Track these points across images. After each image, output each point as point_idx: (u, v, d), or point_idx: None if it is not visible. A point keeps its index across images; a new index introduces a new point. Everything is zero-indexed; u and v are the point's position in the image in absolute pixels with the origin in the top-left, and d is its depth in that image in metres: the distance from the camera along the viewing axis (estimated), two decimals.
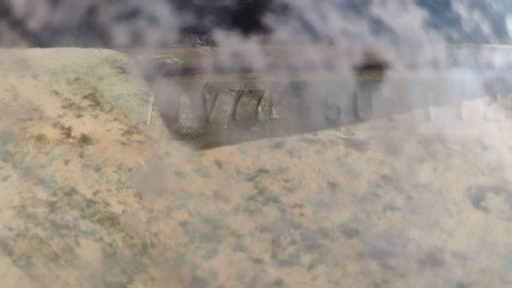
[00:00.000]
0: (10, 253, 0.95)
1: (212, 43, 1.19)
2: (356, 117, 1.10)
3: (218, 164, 1.04)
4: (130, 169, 1.03)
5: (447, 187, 1.02)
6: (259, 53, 1.14)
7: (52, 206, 0.99)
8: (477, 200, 1.02)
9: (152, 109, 1.11)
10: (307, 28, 1.18)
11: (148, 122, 1.09)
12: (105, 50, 1.18)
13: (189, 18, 1.19)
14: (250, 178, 1.03)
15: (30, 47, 1.19)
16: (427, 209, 1.00)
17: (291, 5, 1.20)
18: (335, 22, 1.17)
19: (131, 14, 1.20)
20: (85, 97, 1.11)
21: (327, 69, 1.14)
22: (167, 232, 0.97)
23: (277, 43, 1.15)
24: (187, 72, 1.15)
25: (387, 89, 1.12)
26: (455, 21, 1.23)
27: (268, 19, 1.17)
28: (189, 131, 1.09)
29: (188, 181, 1.02)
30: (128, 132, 1.07)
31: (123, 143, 1.06)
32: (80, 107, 1.10)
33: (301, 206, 1.00)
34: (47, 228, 0.97)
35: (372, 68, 1.13)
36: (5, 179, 1.02)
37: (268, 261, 0.96)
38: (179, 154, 1.05)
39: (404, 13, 1.22)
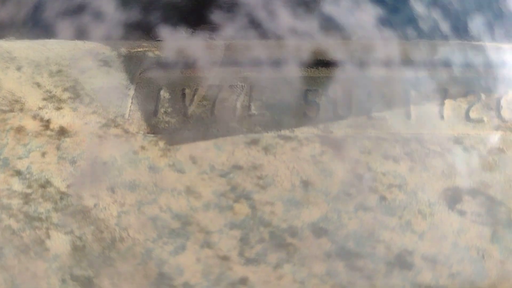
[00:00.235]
0: None
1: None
2: (335, 114, 1.09)
3: (193, 159, 1.04)
4: (105, 163, 1.04)
5: (422, 188, 1.00)
6: (239, 49, 1.13)
7: (26, 198, 1.01)
8: (453, 203, 0.99)
9: (132, 102, 1.11)
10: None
11: (127, 116, 1.09)
12: (89, 42, 1.18)
13: (135, 14, 1.19)
14: (224, 175, 1.03)
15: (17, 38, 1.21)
16: (400, 211, 0.98)
17: None
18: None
19: (76, 9, 1.21)
20: (66, 89, 1.12)
21: (307, 65, 1.12)
22: (136, 227, 0.98)
23: (255, 38, 1.14)
24: (168, 66, 1.14)
25: (368, 86, 1.10)
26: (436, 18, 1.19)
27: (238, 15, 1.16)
28: (166, 125, 1.09)
29: (161, 176, 1.03)
30: (106, 125, 1.08)
31: (100, 136, 1.07)
32: (60, 100, 1.11)
33: (272, 204, 1.00)
34: (20, 219, 0.99)
35: (352, 65, 1.11)
36: None
37: (235, 259, 0.95)
38: (155, 149, 1.05)
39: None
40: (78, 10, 1.21)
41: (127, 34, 1.18)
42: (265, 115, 1.09)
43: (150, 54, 1.15)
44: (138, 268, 0.95)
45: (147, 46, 1.16)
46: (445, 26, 1.19)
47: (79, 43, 1.18)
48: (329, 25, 1.16)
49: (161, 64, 1.14)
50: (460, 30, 1.20)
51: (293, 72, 1.12)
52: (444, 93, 1.10)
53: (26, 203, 1.00)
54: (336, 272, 0.94)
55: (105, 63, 1.15)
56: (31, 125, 1.08)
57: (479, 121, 1.08)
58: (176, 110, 1.10)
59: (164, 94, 1.12)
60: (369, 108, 1.08)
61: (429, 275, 0.94)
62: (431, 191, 1.00)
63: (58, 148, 1.05)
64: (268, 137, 1.06)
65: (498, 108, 1.09)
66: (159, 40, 1.19)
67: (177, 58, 1.14)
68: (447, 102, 1.09)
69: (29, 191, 1.02)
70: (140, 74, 1.14)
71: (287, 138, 1.06)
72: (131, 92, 1.12)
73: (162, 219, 0.99)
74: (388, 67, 1.11)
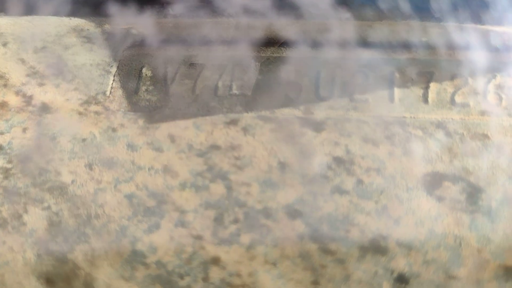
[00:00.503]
0: None
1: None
2: (317, 96, 1.07)
3: (172, 138, 1.04)
4: (84, 140, 1.04)
5: (401, 173, 0.99)
6: (222, 27, 1.12)
7: (6, 173, 1.02)
8: (432, 188, 0.97)
9: (113, 80, 1.11)
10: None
11: (108, 93, 1.09)
12: (74, 19, 1.18)
13: None
14: (201, 154, 1.02)
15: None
16: (377, 195, 0.97)
17: None
18: None
19: None
20: (49, 65, 1.12)
21: (292, 46, 1.10)
22: (112, 204, 0.98)
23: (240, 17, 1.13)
24: (151, 43, 1.14)
25: (352, 68, 1.08)
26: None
27: None
28: (147, 103, 1.08)
29: (139, 154, 1.02)
30: (87, 102, 1.08)
31: (80, 113, 1.07)
32: (43, 76, 1.11)
33: (248, 184, 0.99)
34: None
35: (336, 46, 1.09)
36: None
37: (208, 239, 0.95)
38: (134, 127, 1.05)
39: None
40: None
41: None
42: (246, 95, 1.08)
43: (133, 31, 1.15)
44: (112, 245, 0.95)
45: (131, 23, 1.16)
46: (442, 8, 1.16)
47: (65, 20, 1.18)
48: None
49: (144, 42, 1.14)
50: (457, 13, 1.17)
51: (276, 52, 1.11)
52: (429, 76, 1.08)
53: (6, 178, 1.01)
54: (308, 255, 0.93)
55: (89, 39, 1.15)
56: (14, 100, 1.09)
57: (465, 105, 1.05)
58: (157, 88, 1.10)
59: (146, 72, 1.11)
60: (352, 90, 1.07)
61: (403, 261, 0.93)
62: (410, 176, 0.98)
63: (39, 124, 1.06)
64: (247, 117, 1.05)
65: (485, 92, 1.07)
66: (145, 17, 1.18)
67: (160, 36, 1.13)
68: (432, 85, 1.07)
69: (9, 166, 1.02)
70: (123, 52, 1.13)
71: (266, 119, 1.05)
72: (113, 69, 1.11)
73: (138, 197, 0.99)
74: (373, 49, 1.09)
